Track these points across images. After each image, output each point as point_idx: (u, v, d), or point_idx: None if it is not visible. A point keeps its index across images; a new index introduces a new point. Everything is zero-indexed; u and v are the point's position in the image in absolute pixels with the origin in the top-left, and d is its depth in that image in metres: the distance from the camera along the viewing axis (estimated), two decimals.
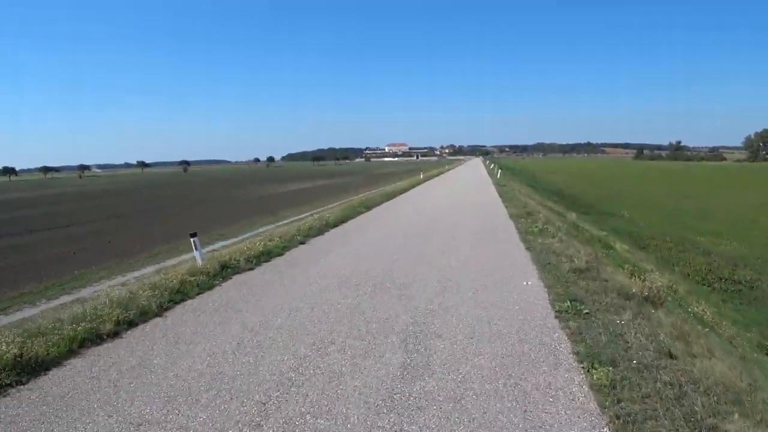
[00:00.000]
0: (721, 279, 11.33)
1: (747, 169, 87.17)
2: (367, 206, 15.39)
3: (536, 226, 10.22)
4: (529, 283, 6.04)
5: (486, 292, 5.65)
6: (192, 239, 7.57)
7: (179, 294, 5.87)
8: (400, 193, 21.78)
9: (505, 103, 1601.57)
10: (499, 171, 42.09)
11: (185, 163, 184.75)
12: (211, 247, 9.84)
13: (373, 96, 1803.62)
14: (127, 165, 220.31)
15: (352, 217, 13.07)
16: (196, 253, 7.52)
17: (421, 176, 35.93)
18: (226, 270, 7.02)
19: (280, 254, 8.36)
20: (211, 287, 6.36)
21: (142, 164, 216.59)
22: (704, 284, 10.91)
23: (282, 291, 6.04)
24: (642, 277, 6.85)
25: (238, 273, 7.09)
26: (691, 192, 38.25)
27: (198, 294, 6.04)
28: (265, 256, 8.06)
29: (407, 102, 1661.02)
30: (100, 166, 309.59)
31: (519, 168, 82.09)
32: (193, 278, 6.33)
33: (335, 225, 11.58)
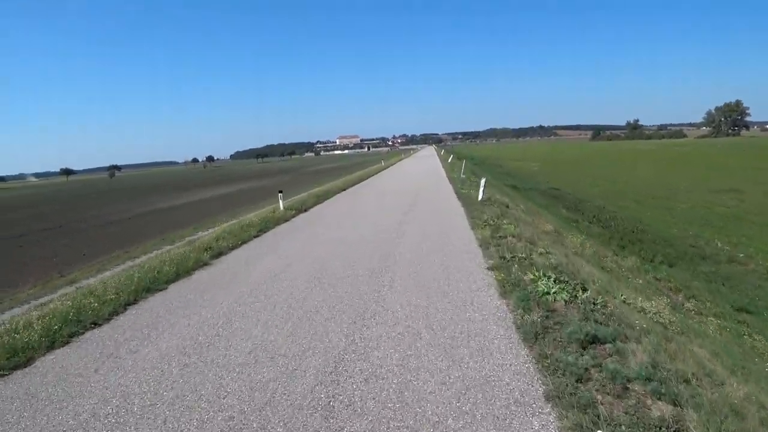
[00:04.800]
0: None
1: (734, 145, 77.27)
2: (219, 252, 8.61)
3: None
4: None
5: None
6: None
7: None
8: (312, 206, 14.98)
9: (456, 89, 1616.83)
10: (462, 166, 26.46)
11: (114, 168, 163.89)
12: None
13: (325, 89, 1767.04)
14: (67, 171, 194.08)
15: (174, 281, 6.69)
16: None
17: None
18: None
19: None
20: None
21: (67, 171, 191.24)
22: None
23: None
24: None
25: None
26: (733, 182, 27.73)
27: None
28: None
29: (360, 93, 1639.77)
30: (37, 175, 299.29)
31: (480, 157, 70.08)
32: None
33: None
